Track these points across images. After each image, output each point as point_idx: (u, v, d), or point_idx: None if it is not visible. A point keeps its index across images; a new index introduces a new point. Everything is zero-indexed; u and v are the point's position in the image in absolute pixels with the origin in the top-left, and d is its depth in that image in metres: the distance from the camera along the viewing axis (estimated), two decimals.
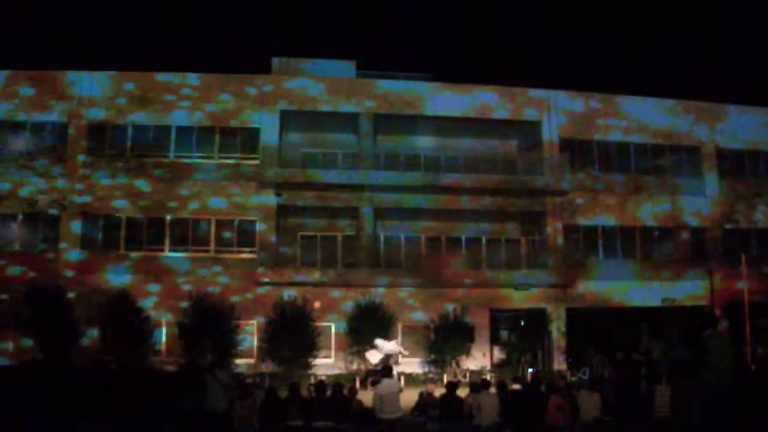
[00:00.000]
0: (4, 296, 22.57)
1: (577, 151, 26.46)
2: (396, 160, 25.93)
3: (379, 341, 21.01)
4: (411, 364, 22.69)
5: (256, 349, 22.99)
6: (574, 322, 24.68)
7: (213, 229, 24.50)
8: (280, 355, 21.94)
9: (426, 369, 23.18)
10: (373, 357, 20.64)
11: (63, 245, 23.68)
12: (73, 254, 23.65)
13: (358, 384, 19.58)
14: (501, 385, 13.27)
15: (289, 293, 22.98)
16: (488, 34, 61.83)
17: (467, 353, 23.28)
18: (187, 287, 23.12)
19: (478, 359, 23.78)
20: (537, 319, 24.78)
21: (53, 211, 23.82)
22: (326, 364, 22.87)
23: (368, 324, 22.44)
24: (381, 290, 23.78)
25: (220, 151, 24.94)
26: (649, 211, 26.63)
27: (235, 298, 23.09)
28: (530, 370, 22.35)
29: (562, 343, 24.67)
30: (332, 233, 25.77)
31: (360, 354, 22.36)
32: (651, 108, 27.60)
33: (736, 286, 24.26)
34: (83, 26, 52.92)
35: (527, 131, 27.20)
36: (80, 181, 24.09)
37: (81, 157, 24.23)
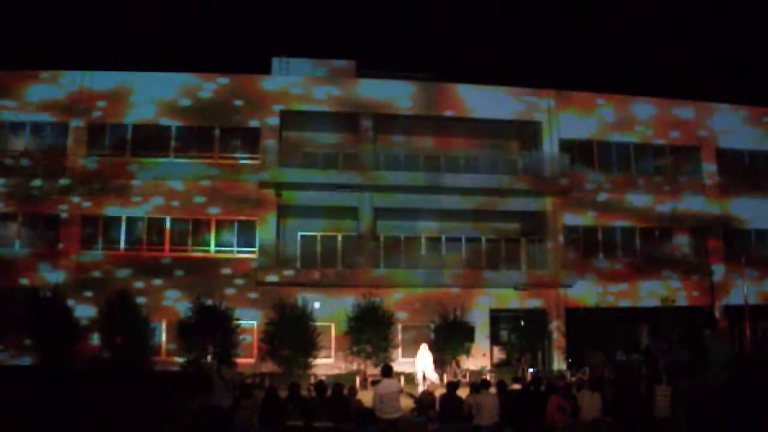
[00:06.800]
0: (4, 297, 22.56)
1: (577, 151, 26.49)
2: (396, 160, 25.94)
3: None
4: (411, 364, 22.67)
5: (257, 349, 23.01)
6: (574, 322, 24.69)
7: (213, 229, 24.50)
8: (280, 355, 21.96)
9: None
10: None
11: (63, 244, 23.69)
12: (74, 254, 23.65)
13: (358, 384, 19.57)
14: (501, 385, 13.26)
15: (288, 293, 22.96)
16: (488, 34, 61.87)
17: (467, 353, 23.28)
18: (186, 287, 23.14)
19: (478, 359, 23.78)
20: (537, 319, 24.78)
21: (54, 212, 23.83)
22: (326, 364, 22.88)
23: (368, 324, 22.46)
24: (381, 290, 23.77)
25: (220, 151, 24.97)
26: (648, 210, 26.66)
27: (235, 299, 23.09)
28: (530, 370, 22.35)
29: (562, 343, 24.70)
30: (332, 233, 25.76)
31: (359, 354, 22.39)
32: (650, 108, 27.64)
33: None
34: (82, 26, 53.01)
35: (527, 131, 27.22)
36: (79, 181, 24.08)
37: (80, 157, 24.22)
